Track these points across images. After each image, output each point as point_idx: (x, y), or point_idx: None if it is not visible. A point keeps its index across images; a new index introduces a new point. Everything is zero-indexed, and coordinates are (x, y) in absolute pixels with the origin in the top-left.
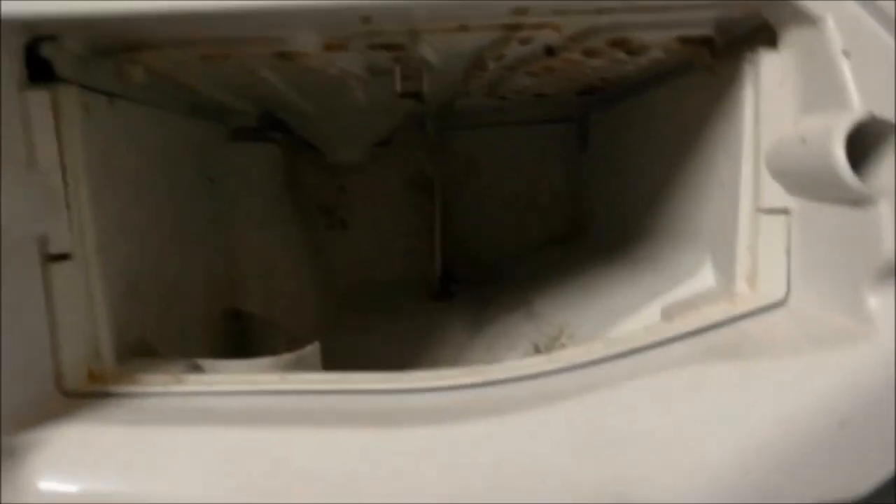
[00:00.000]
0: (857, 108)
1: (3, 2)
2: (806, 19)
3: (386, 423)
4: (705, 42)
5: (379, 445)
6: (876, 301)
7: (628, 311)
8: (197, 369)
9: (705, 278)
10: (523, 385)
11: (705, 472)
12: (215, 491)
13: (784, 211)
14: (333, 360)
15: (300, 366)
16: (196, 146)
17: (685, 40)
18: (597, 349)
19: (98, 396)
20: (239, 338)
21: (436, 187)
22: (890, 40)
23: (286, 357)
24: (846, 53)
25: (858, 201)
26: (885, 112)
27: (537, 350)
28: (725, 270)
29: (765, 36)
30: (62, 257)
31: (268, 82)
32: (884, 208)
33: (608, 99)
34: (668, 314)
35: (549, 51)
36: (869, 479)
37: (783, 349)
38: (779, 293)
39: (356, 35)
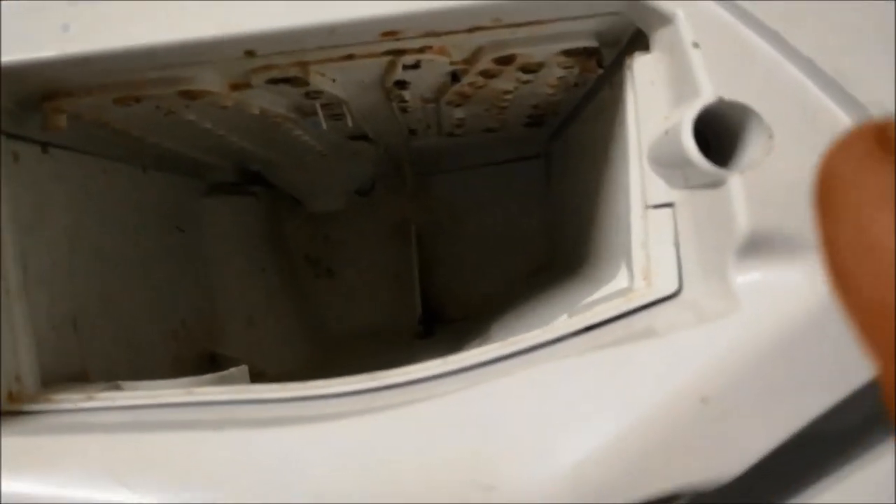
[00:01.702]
0: (706, 93)
1: None
2: (663, 18)
3: (273, 425)
4: (592, 54)
5: (262, 444)
6: (741, 278)
7: (546, 322)
8: (116, 389)
9: (620, 283)
10: (416, 387)
11: (567, 460)
12: (94, 491)
13: (668, 205)
14: None
15: (221, 384)
16: (162, 199)
17: (571, 53)
18: (491, 350)
19: (13, 415)
20: None
21: (412, 232)
22: (741, 28)
23: (207, 376)
24: (696, 45)
25: (718, 183)
26: (739, 96)
27: None
28: (632, 271)
29: (642, 42)
30: None
31: (206, 130)
32: (734, 184)
33: (558, 131)
34: (572, 314)
35: (454, 77)
36: (739, 460)
37: (659, 336)
38: (671, 285)
39: (251, 71)
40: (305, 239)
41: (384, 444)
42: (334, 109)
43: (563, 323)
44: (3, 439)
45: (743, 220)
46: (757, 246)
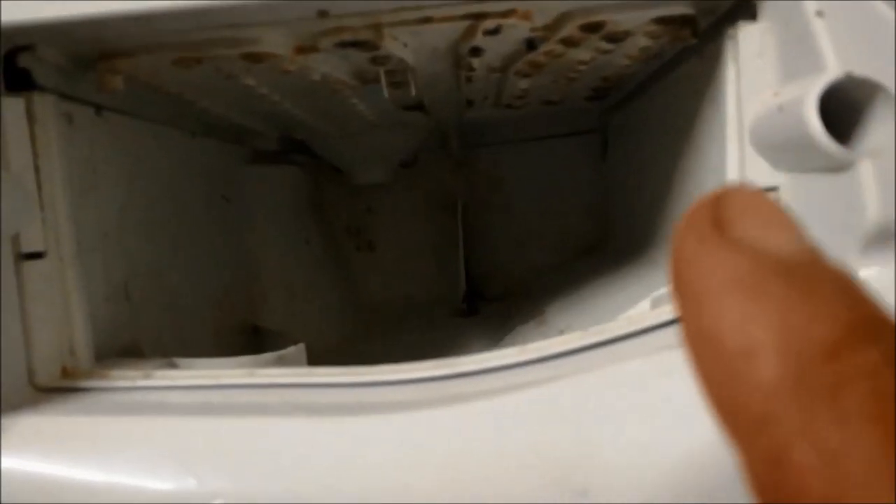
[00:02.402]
0: (831, 68)
1: None
2: None
3: (343, 413)
4: (687, 22)
5: (332, 434)
6: (866, 272)
7: (623, 309)
8: (173, 367)
9: None
10: (493, 376)
11: (667, 460)
12: (157, 476)
13: (772, 188)
14: None
15: (281, 364)
16: (209, 166)
17: (665, 20)
18: (572, 340)
19: (67, 391)
20: (258, 353)
21: (459, 206)
22: None
23: (266, 356)
24: (819, 13)
25: (841, 167)
26: (867, 71)
27: None
28: None
29: (746, 10)
30: (35, 255)
31: (262, 95)
32: (865, 170)
33: (621, 104)
34: (656, 303)
35: (530, 44)
36: None
37: None
38: None
39: (321, 34)
40: (346, 210)
41: (464, 439)
42: (397, 77)
43: (649, 313)
44: (59, 418)
45: (874, 209)
46: (883, 238)
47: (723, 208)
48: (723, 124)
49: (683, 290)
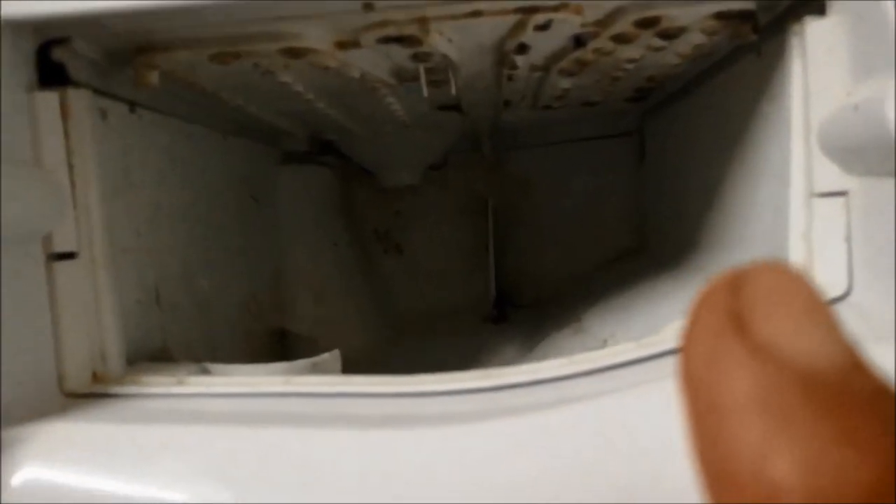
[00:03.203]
0: None
1: (4, 3)
2: None
3: (388, 425)
4: (747, 18)
5: (377, 447)
6: None
7: (672, 318)
8: (205, 373)
9: None
10: (543, 388)
11: None
12: (193, 488)
13: (841, 193)
14: None
15: (315, 371)
16: (240, 167)
17: (724, 16)
18: (623, 351)
19: (98, 397)
20: (285, 358)
21: (489, 210)
22: None
23: (301, 362)
24: None
25: None
26: None
27: None
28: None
29: (811, 5)
30: (67, 256)
31: (297, 93)
32: None
33: (662, 105)
34: None
35: (578, 41)
36: None
37: None
38: (839, 286)
39: (364, 28)
40: (375, 213)
41: (518, 454)
42: (437, 75)
43: None
44: (90, 426)
45: None
46: None
47: (745, 295)
48: (787, 124)
49: (696, 396)
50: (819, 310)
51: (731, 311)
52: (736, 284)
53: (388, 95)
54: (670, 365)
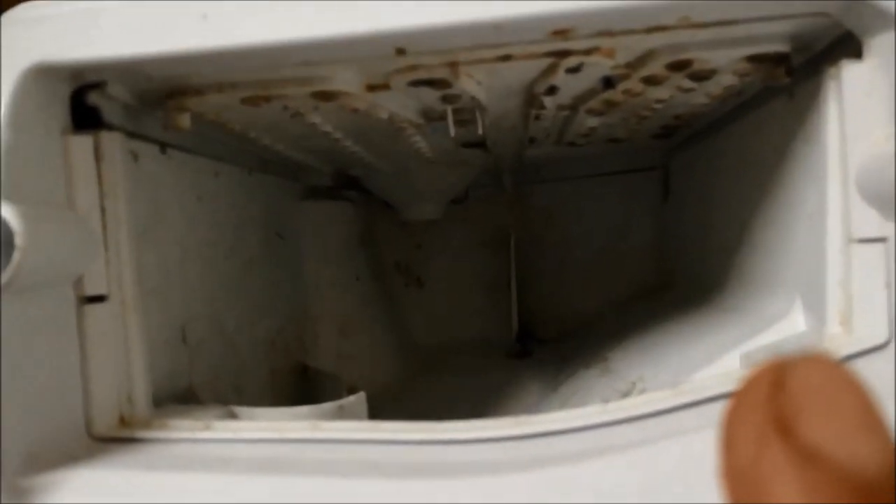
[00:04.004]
0: None
1: (43, 48)
2: (890, 21)
3: (418, 475)
4: (780, 60)
5: (408, 498)
6: None
7: (706, 362)
8: (232, 416)
9: (795, 322)
10: (579, 436)
11: None
12: None
13: (881, 239)
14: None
15: (342, 415)
16: (265, 203)
17: (756, 59)
18: (661, 398)
19: (126, 442)
20: (308, 395)
21: (511, 244)
22: None
23: (327, 406)
24: None
25: None
26: None
27: None
28: (817, 312)
29: (848, 47)
30: (98, 299)
31: (324, 133)
32: None
33: (687, 142)
34: (748, 361)
35: (608, 82)
36: None
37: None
38: (879, 334)
39: (395, 71)
40: (396, 246)
41: None
42: (465, 115)
43: (741, 372)
44: (119, 472)
45: None
46: None
47: (789, 392)
48: (823, 168)
49: (740, 497)
50: (868, 411)
51: (775, 409)
52: (779, 380)
53: (415, 134)
54: (708, 414)
